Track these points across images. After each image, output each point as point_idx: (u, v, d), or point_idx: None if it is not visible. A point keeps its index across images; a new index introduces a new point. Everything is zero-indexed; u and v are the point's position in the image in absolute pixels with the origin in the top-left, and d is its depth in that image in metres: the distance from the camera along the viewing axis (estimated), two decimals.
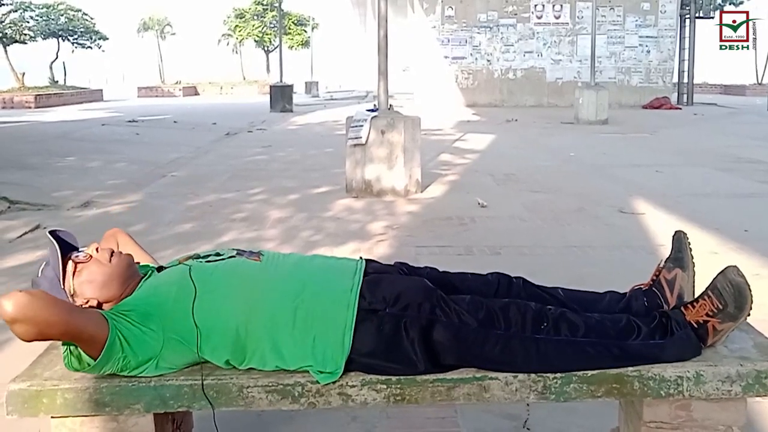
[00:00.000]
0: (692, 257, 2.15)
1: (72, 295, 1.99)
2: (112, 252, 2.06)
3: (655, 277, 2.20)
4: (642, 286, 2.21)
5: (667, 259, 2.21)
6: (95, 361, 1.81)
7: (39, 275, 2.04)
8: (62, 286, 1.98)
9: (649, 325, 1.99)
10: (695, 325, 1.98)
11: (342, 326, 1.89)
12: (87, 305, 1.99)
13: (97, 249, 2.05)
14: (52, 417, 1.90)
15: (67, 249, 2.04)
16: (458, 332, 1.91)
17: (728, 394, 1.92)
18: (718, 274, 2.00)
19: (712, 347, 2.01)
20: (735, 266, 1.98)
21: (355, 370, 1.91)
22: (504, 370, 1.91)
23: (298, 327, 1.90)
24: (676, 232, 2.22)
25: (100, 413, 1.88)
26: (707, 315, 1.97)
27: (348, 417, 2.75)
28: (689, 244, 2.17)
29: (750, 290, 1.95)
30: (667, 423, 1.96)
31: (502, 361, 1.91)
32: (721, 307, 1.96)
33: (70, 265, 2.00)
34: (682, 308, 2.03)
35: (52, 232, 2.04)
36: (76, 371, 1.86)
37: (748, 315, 1.98)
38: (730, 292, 1.95)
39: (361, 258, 2.19)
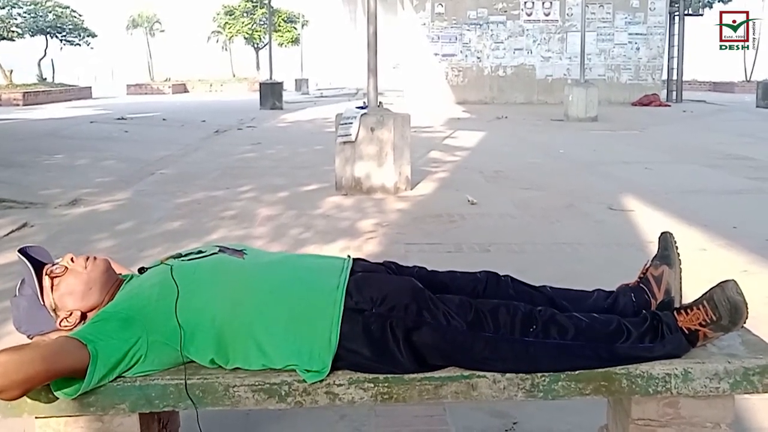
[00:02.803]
0: (678, 255, 2.15)
1: (54, 310, 1.96)
2: (88, 258, 2.03)
3: (642, 275, 2.20)
4: (629, 284, 2.21)
5: (653, 257, 2.21)
6: (81, 383, 1.78)
7: (17, 294, 2.00)
8: (42, 303, 1.95)
9: (639, 328, 1.96)
10: (686, 332, 1.96)
11: (328, 324, 1.88)
12: (71, 317, 1.96)
13: (72, 259, 2.01)
14: (36, 417, 1.88)
15: (40, 264, 2.00)
16: (446, 334, 1.89)
17: (716, 391, 1.92)
18: (716, 287, 1.97)
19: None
20: (734, 282, 1.95)
21: (343, 368, 1.90)
22: (492, 371, 1.91)
23: (283, 325, 1.88)
24: (662, 233, 2.23)
25: (85, 413, 1.86)
26: (700, 324, 1.95)
27: (336, 415, 2.74)
28: (675, 243, 2.18)
29: (747, 308, 1.93)
30: (655, 420, 1.96)
31: (490, 363, 1.90)
32: (715, 318, 1.93)
33: (46, 279, 1.97)
34: (674, 313, 2.01)
35: (21, 250, 2.00)
36: (69, 396, 1.80)
37: (741, 327, 1.99)
38: (726, 307, 1.93)
39: (348, 256, 2.18)
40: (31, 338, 1.99)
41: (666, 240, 2.19)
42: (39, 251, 2.07)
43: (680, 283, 2.13)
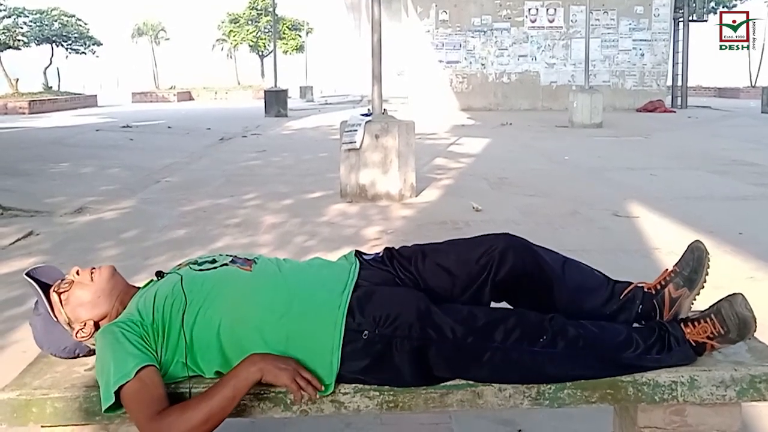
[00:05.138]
0: (705, 281, 2.08)
1: (68, 323, 1.99)
2: (93, 269, 2.05)
3: (660, 286, 2.13)
4: (644, 287, 2.15)
5: (680, 272, 2.12)
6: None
7: (33, 314, 2.04)
8: (55, 319, 1.98)
9: (647, 340, 1.94)
10: (693, 344, 1.96)
11: (329, 347, 1.86)
12: (85, 327, 1.99)
13: (77, 272, 2.04)
14: (42, 426, 1.88)
15: (49, 283, 2.04)
16: (452, 348, 1.87)
17: (723, 399, 1.91)
18: (724, 300, 1.96)
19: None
20: (742, 296, 1.94)
21: (346, 382, 1.89)
22: (499, 382, 1.90)
23: (284, 346, 1.88)
24: (696, 243, 2.14)
25: (91, 422, 1.86)
26: (707, 337, 1.95)
27: (342, 423, 2.74)
28: (708, 266, 2.10)
29: (755, 322, 1.93)
30: (662, 428, 1.95)
31: (497, 374, 1.89)
32: (723, 332, 1.93)
33: (54, 296, 2.00)
34: (682, 325, 1.99)
35: (28, 273, 2.03)
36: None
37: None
38: (735, 322, 1.92)
39: (354, 259, 2.14)
40: (55, 356, 2.04)
41: (700, 260, 2.10)
42: (48, 271, 2.11)
43: (691, 305, 2.11)
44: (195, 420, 1.72)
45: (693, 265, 2.11)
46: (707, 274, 2.08)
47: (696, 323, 1.97)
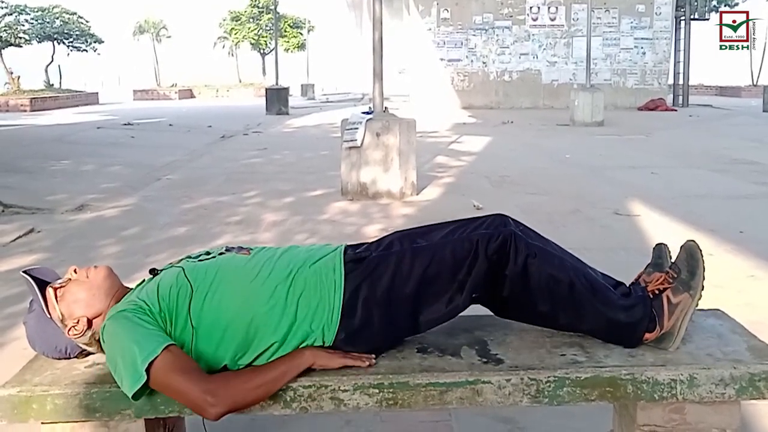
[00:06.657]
0: (704, 278, 2.10)
1: (62, 320, 1.97)
2: (89, 268, 2.05)
3: (634, 282, 2.21)
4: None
5: (647, 265, 2.24)
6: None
7: (27, 313, 2.03)
8: (48, 316, 1.96)
9: (616, 286, 2.13)
10: (651, 296, 2.05)
11: (331, 289, 1.96)
12: (78, 325, 1.97)
13: (75, 270, 2.04)
14: (42, 423, 1.88)
15: (46, 281, 2.04)
16: (444, 246, 2.03)
17: (722, 397, 1.91)
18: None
19: (687, 340, 2.04)
20: (691, 240, 2.08)
21: (350, 331, 1.95)
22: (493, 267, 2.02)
23: (294, 307, 1.94)
24: (656, 245, 2.27)
25: (91, 419, 1.86)
26: (662, 283, 2.06)
27: (341, 421, 2.74)
28: (669, 252, 2.23)
29: (701, 254, 2.03)
30: (661, 426, 1.95)
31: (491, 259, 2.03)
32: (675, 275, 2.04)
33: (50, 291, 1.99)
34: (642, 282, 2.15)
35: (26, 272, 2.03)
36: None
37: (702, 288, 2.03)
38: (683, 259, 2.05)
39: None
40: (46, 356, 2.03)
41: (660, 250, 2.24)
42: (45, 272, 2.10)
43: (696, 307, 2.13)
44: (249, 385, 1.80)
45: (656, 253, 2.25)
46: (671, 257, 2.18)
47: (654, 278, 2.12)
